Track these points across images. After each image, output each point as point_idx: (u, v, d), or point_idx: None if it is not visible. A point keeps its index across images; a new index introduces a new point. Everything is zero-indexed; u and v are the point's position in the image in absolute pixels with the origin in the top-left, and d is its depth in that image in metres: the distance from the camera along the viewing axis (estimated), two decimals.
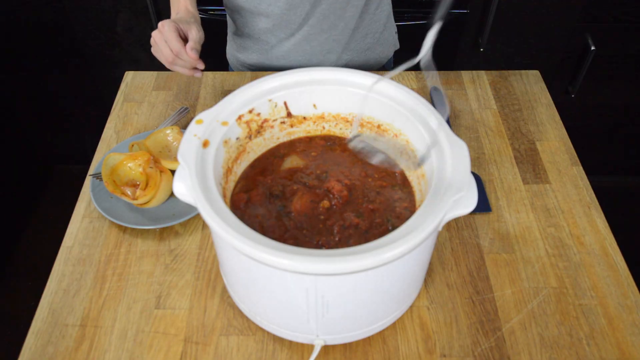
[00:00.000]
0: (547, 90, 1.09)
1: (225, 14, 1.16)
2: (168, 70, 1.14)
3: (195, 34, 0.90)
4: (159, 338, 0.73)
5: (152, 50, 0.92)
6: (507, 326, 0.74)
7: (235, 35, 1.16)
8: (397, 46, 1.22)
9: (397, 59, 1.24)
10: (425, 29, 0.61)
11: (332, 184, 0.73)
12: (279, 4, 1.01)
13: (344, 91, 0.76)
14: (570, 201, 0.89)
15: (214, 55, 1.25)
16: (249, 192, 0.73)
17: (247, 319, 0.74)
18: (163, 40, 0.88)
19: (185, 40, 0.90)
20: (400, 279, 0.65)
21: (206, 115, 0.69)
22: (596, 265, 0.81)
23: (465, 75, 1.12)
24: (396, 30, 1.20)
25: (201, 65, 0.91)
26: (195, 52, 0.88)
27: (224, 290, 0.78)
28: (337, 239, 0.67)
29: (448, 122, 1.01)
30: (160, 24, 0.89)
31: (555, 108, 1.06)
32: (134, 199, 0.83)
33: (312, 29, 1.06)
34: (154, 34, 0.90)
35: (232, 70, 1.23)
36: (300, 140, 0.80)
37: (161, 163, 0.87)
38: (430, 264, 0.80)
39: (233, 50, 1.19)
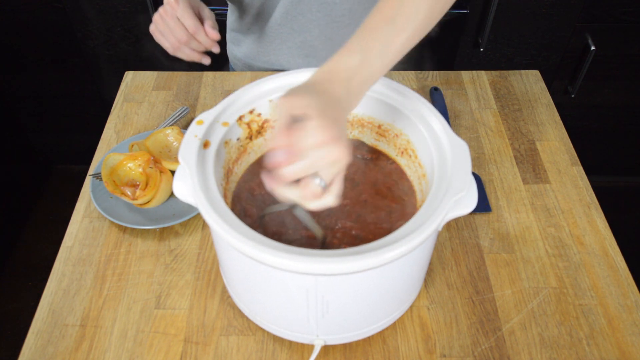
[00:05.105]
0: (547, 90, 1.09)
1: (226, 14, 1.16)
2: (168, 70, 1.14)
3: (209, 12, 0.81)
4: (159, 338, 0.73)
5: (154, 29, 0.81)
6: (507, 326, 0.74)
7: (230, 30, 1.15)
8: None
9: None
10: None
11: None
12: None
13: None
14: (570, 201, 0.89)
15: (214, 55, 1.25)
16: (250, 192, 0.73)
17: (247, 319, 0.74)
18: (175, 17, 0.77)
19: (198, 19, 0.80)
20: (400, 279, 0.65)
21: (207, 116, 0.69)
22: (596, 265, 0.81)
23: (465, 75, 1.12)
24: None
25: (216, 49, 0.82)
26: (216, 31, 0.79)
27: (224, 290, 0.78)
28: (339, 234, 0.68)
29: (448, 121, 1.01)
30: (173, 0, 0.78)
31: (555, 108, 1.06)
32: (134, 199, 0.83)
33: (281, 27, 1.02)
34: (162, 10, 0.79)
35: (232, 69, 1.23)
36: None
37: (161, 163, 0.87)
38: (430, 264, 0.80)
39: (230, 44, 1.18)
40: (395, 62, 0.62)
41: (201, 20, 0.82)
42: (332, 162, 0.54)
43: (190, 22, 0.78)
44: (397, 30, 0.60)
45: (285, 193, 0.56)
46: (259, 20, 1.04)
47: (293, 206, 0.64)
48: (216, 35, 0.79)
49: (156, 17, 0.81)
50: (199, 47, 0.82)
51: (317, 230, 0.66)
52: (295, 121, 0.54)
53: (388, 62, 0.61)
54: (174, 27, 0.78)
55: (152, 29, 0.82)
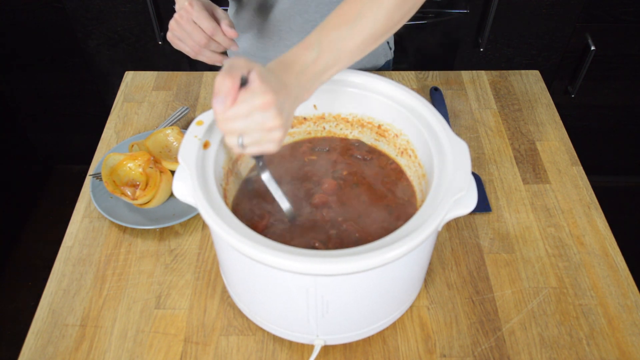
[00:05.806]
0: (547, 90, 1.09)
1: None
2: (168, 70, 1.14)
3: (223, 11, 0.81)
4: (159, 338, 0.73)
5: (172, 36, 0.82)
6: (507, 326, 0.74)
7: None
8: (389, 56, 1.17)
9: (397, 60, 1.24)
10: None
11: (326, 183, 0.73)
12: None
13: (344, 92, 0.76)
14: (570, 201, 0.89)
15: None
16: (250, 193, 0.73)
17: (247, 319, 0.74)
18: (191, 21, 0.78)
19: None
20: (400, 279, 0.65)
21: (207, 117, 0.70)
22: (596, 265, 0.81)
23: (465, 75, 1.12)
24: (388, 39, 1.16)
25: (235, 47, 0.83)
26: (234, 29, 0.79)
27: (224, 290, 0.78)
28: (335, 232, 0.68)
29: (448, 121, 1.01)
30: (187, 4, 0.79)
31: (555, 108, 1.06)
32: (134, 199, 0.83)
33: (280, 24, 1.01)
34: (178, 16, 0.80)
35: None
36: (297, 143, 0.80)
37: (161, 163, 0.87)
38: (430, 264, 0.80)
39: None
40: (350, 63, 0.64)
41: (216, 20, 0.82)
42: (266, 130, 0.56)
43: (207, 24, 0.78)
44: (355, 33, 0.63)
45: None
46: (258, 16, 1.04)
47: (261, 171, 0.65)
48: (234, 34, 0.79)
49: (172, 23, 0.81)
50: (218, 48, 0.82)
51: (283, 201, 0.66)
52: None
53: (342, 62, 0.63)
54: (192, 31, 0.78)
55: (170, 36, 0.82)
